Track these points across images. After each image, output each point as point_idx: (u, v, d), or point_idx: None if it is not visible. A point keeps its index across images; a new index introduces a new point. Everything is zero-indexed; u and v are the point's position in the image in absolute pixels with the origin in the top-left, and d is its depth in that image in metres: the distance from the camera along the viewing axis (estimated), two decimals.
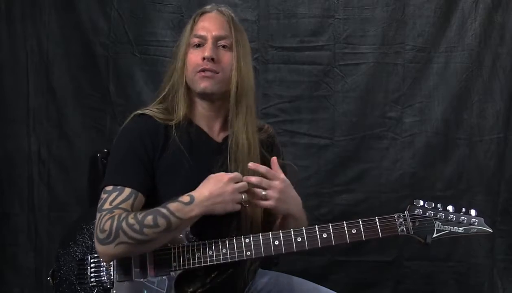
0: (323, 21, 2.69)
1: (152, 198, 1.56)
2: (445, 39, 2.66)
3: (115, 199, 1.47)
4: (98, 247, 1.45)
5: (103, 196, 1.50)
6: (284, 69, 2.71)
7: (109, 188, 1.50)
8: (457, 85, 2.66)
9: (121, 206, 1.47)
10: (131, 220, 1.41)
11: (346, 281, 2.67)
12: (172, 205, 1.43)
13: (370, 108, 2.70)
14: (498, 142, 2.65)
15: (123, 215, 1.43)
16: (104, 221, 1.44)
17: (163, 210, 1.42)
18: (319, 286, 1.74)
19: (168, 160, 1.58)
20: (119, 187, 1.50)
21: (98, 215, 1.47)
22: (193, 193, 1.46)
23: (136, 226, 1.41)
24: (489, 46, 2.64)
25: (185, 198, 1.44)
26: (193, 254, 1.50)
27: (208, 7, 1.70)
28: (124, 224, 1.41)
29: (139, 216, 1.42)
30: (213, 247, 1.50)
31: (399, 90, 2.69)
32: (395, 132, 2.70)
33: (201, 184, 1.49)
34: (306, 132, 2.72)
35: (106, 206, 1.47)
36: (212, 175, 1.50)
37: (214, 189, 1.46)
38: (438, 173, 2.69)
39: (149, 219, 1.41)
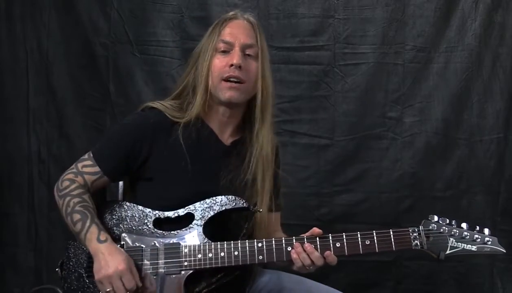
0: (323, 21, 2.69)
1: (154, 190, 1.60)
2: (445, 39, 2.66)
3: (85, 167, 1.62)
4: (55, 188, 1.62)
5: (84, 156, 1.65)
6: (284, 69, 2.70)
7: (90, 155, 1.64)
8: (457, 85, 2.66)
9: (85, 176, 1.61)
10: (71, 202, 1.56)
11: (346, 281, 2.66)
12: (93, 228, 1.51)
13: (370, 108, 2.70)
14: (498, 142, 2.65)
15: (75, 192, 1.57)
16: (67, 177, 1.61)
17: (87, 223, 1.52)
18: (320, 284, 1.75)
19: (166, 159, 1.60)
20: (94, 160, 1.62)
21: (72, 166, 1.65)
22: (109, 241, 1.50)
23: (68, 210, 1.55)
24: (489, 46, 2.64)
25: (103, 236, 1.50)
26: (205, 255, 1.51)
27: (232, 13, 1.70)
28: (68, 198, 1.57)
29: (77, 207, 1.54)
30: (225, 249, 1.51)
31: (399, 90, 2.69)
32: (395, 132, 2.69)
33: (118, 253, 1.49)
34: (306, 132, 2.71)
35: (78, 165, 1.63)
36: (126, 258, 1.49)
37: (112, 264, 1.46)
38: (438, 173, 2.68)
39: (76, 216, 1.54)
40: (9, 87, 2.73)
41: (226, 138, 1.70)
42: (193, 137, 1.62)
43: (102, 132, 2.71)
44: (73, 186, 1.58)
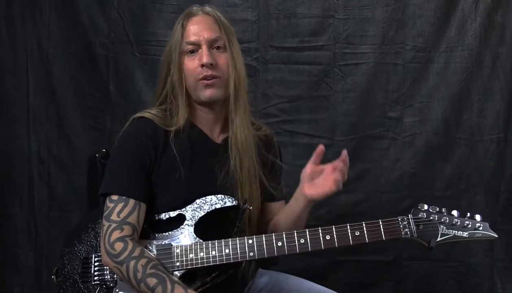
0: (323, 21, 2.69)
1: (156, 195, 1.58)
2: (445, 39, 2.65)
3: (122, 211, 1.50)
4: (103, 255, 1.50)
5: (109, 205, 1.52)
6: (284, 69, 2.70)
7: (115, 197, 1.52)
8: (457, 85, 2.66)
9: (128, 220, 1.50)
10: (139, 266, 1.45)
11: (346, 281, 2.67)
12: (177, 289, 1.42)
13: (370, 108, 2.70)
14: (498, 142, 2.65)
15: (136, 253, 1.46)
16: (114, 238, 1.48)
17: (168, 286, 1.42)
18: (319, 285, 1.74)
19: (164, 165, 1.59)
20: (124, 197, 1.52)
21: (106, 223, 1.50)
22: None
23: (138, 275, 1.44)
24: (489, 46, 2.64)
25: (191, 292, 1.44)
26: (196, 255, 1.51)
27: (193, 9, 1.68)
28: (132, 263, 1.45)
29: (147, 270, 1.44)
30: (216, 247, 1.51)
31: (399, 90, 2.69)
32: (395, 132, 2.69)
33: None
34: (306, 132, 2.71)
35: (114, 217, 1.50)
36: None
37: None
38: (438, 173, 2.68)
39: (152, 281, 1.43)
40: (9, 87, 2.72)
41: (217, 136, 1.69)
42: (185, 142, 1.61)
43: (103, 132, 2.71)
44: (129, 246, 1.47)
